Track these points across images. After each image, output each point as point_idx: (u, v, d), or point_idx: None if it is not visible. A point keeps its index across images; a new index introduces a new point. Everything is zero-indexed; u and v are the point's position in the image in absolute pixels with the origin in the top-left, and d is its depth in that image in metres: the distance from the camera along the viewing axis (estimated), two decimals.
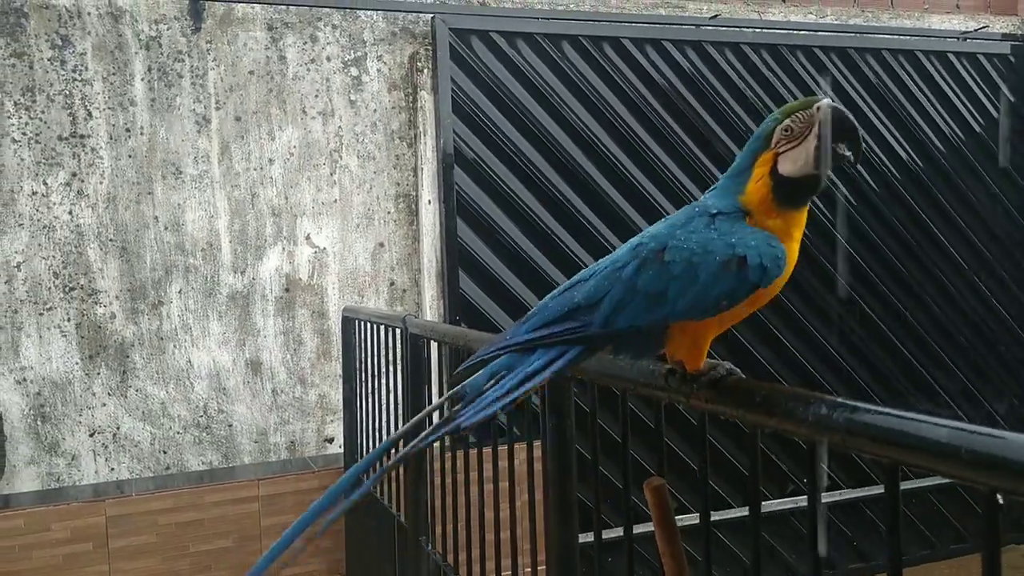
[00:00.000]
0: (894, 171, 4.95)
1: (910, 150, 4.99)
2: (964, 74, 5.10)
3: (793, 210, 1.16)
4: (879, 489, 4.50)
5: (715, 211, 1.18)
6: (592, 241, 4.34)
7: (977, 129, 5.13)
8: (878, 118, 4.92)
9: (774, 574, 4.57)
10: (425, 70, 4.13)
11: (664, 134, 4.50)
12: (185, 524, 3.52)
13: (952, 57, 5.06)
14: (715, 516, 4.32)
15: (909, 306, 4.98)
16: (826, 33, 4.83)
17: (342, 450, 3.87)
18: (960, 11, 5.26)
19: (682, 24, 4.56)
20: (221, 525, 3.57)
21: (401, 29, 4.14)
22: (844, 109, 1.10)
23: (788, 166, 1.13)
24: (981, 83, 5.14)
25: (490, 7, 4.28)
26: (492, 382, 1.19)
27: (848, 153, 1.11)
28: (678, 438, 4.34)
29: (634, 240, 1.21)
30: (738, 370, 1.17)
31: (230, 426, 3.89)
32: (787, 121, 1.13)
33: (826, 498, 4.57)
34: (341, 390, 3.85)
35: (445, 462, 2.57)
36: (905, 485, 4.81)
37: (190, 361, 3.82)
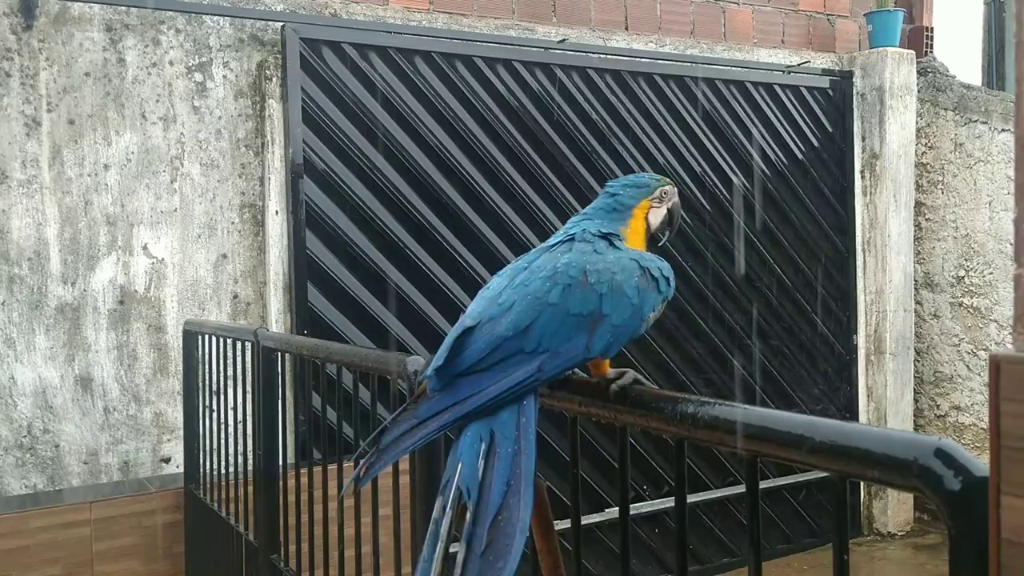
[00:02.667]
0: (726, 193, 5.46)
1: (740, 173, 5.52)
2: (788, 105, 5.70)
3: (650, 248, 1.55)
4: (743, 488, 4.94)
5: (605, 233, 1.49)
6: (445, 255, 4.55)
7: (799, 156, 5.75)
8: (711, 143, 5.41)
9: (653, 571, 4.94)
10: (274, 78, 4.21)
11: (515, 152, 4.78)
12: (8, 552, 3.42)
13: (778, 88, 5.65)
14: (597, 517, 4.63)
15: (739, 321, 5.50)
16: (665, 62, 5.28)
17: (181, 470, 3.88)
18: (785, 46, 5.87)
19: (531, 46, 4.87)
20: (49, 551, 3.50)
21: (249, 36, 4.21)
22: (680, 203, 1.61)
23: (652, 219, 1.57)
24: (803, 113, 5.76)
25: (342, 19, 4.41)
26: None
27: (670, 229, 1.62)
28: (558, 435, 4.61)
29: (540, 273, 1.40)
30: (641, 378, 1.39)
31: (57, 447, 3.81)
32: (663, 187, 1.58)
33: (696, 497, 4.98)
34: (180, 407, 3.86)
35: (300, 477, 2.69)
36: (764, 484, 5.30)
37: (13, 377, 3.72)
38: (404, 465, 2.78)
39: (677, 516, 1.30)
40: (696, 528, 5.12)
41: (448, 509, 1.25)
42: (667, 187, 1.58)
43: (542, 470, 3.86)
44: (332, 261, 4.27)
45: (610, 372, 1.39)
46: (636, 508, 4.87)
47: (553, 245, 1.50)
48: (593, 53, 5.06)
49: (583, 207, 5.03)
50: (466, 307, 4.62)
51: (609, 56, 5.11)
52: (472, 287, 4.58)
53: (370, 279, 4.36)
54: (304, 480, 2.49)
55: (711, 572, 5.21)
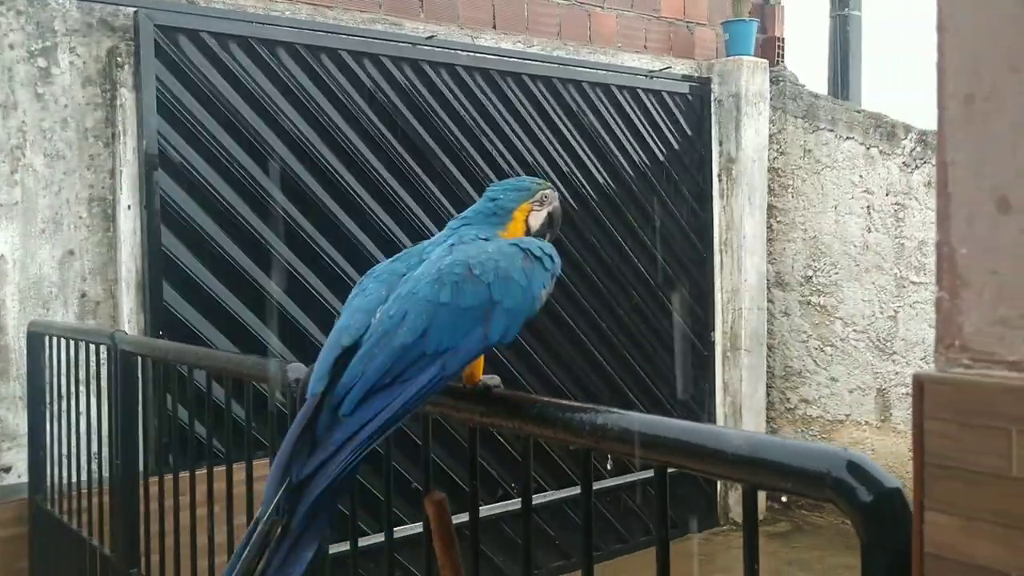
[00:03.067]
0: (592, 193, 5.63)
1: (605, 174, 5.70)
2: (651, 108, 5.93)
3: None
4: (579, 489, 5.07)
5: (483, 237, 1.54)
6: (309, 253, 4.49)
7: (661, 158, 5.99)
8: (578, 143, 5.57)
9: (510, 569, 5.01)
10: (126, 66, 4.04)
11: (382, 148, 4.76)
12: None
13: (641, 92, 5.86)
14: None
15: (604, 317, 5.68)
16: (533, 62, 5.40)
17: (24, 480, 3.67)
18: (648, 51, 6.10)
19: (399, 41, 4.87)
20: None
21: (98, 21, 4.02)
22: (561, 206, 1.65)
23: (533, 221, 1.63)
24: (665, 117, 6.01)
25: (200, 6, 4.28)
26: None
27: (552, 231, 1.66)
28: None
29: (424, 279, 1.45)
30: (502, 386, 1.49)
31: None
32: (544, 191, 1.64)
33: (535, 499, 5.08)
34: (23, 413, 3.66)
35: (150, 487, 2.61)
36: (598, 484, 5.50)
37: None
38: (261, 472, 2.75)
39: (584, 516, 1.36)
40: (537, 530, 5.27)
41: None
42: (547, 191, 1.65)
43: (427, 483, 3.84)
44: (189, 258, 4.15)
45: (480, 379, 1.49)
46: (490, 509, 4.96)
47: (434, 249, 1.54)
48: (462, 51, 5.11)
49: (451, 203, 5.10)
50: (330, 305, 4.56)
51: (477, 54, 5.17)
52: (338, 286, 4.54)
53: (230, 277, 4.26)
54: (168, 486, 2.42)
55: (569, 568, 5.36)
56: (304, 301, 4.47)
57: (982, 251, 0.74)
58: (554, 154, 5.44)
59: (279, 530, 1.32)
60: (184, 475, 2.59)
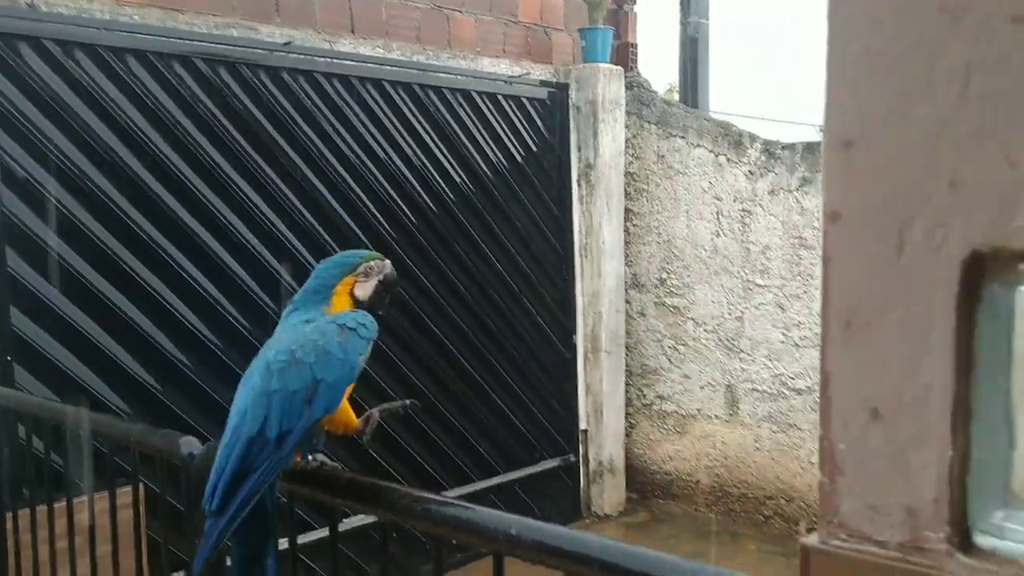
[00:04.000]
0: (453, 198, 5.82)
1: (467, 180, 5.91)
2: (511, 114, 6.17)
3: None
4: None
5: (306, 320, 1.74)
6: (166, 269, 4.47)
7: (522, 164, 6.25)
8: (439, 148, 5.75)
9: None
10: None
11: (238, 156, 4.78)
12: None
13: (501, 98, 6.10)
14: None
15: (467, 321, 5.90)
16: (392, 68, 5.52)
17: None
18: (507, 55, 6.34)
19: (255, 48, 4.89)
20: None
21: None
22: (394, 272, 1.84)
23: (360, 293, 1.81)
24: (525, 123, 6.26)
25: (42, 11, 4.18)
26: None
27: (387, 298, 1.84)
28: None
29: (260, 370, 1.67)
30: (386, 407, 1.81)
31: None
32: (368, 263, 1.81)
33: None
34: None
35: (6, 522, 2.62)
36: (466, 489, 5.74)
37: None
38: (124, 500, 2.82)
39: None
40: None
41: None
42: (374, 262, 1.82)
43: None
44: (37, 279, 4.07)
45: (360, 424, 1.77)
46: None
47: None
48: (320, 57, 5.18)
49: (310, 212, 5.31)
50: (185, 319, 4.63)
51: (336, 60, 5.26)
52: (199, 304, 4.57)
53: (82, 297, 4.21)
54: (23, 522, 2.47)
55: None
56: (161, 319, 4.47)
57: (856, 449, 0.91)
58: (415, 160, 5.60)
59: None
60: (42, 508, 2.61)
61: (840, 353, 0.92)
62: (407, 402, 1.87)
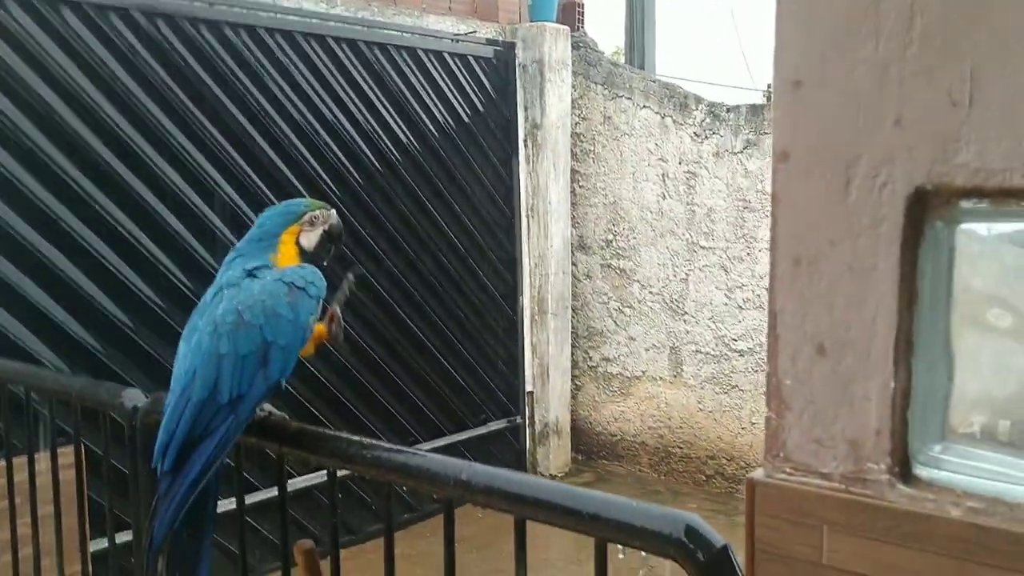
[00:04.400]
0: (399, 157, 5.77)
1: (412, 139, 5.85)
2: (457, 72, 6.11)
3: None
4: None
5: (251, 268, 1.70)
6: (105, 227, 4.37)
7: (468, 124, 6.21)
8: (384, 106, 5.67)
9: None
10: None
11: (178, 112, 4.65)
12: None
13: (447, 56, 6.03)
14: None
15: (413, 282, 5.88)
16: (336, 24, 5.43)
17: None
18: (452, 13, 6.27)
19: (195, 1, 4.76)
20: None
21: None
22: (340, 223, 1.81)
23: (305, 242, 1.78)
24: (471, 82, 6.21)
25: None
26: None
27: (331, 248, 1.81)
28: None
29: (207, 329, 1.63)
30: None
31: None
32: (314, 212, 1.78)
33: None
34: None
35: None
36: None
37: None
38: (66, 460, 2.77)
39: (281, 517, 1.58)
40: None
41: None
42: (319, 211, 1.79)
43: None
44: None
45: (325, 327, 1.79)
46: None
47: (213, 296, 1.71)
48: (262, 11, 5.06)
49: (253, 170, 5.21)
50: (130, 282, 4.54)
51: (279, 15, 5.15)
52: (139, 262, 4.48)
53: (20, 256, 4.11)
54: None
55: None
56: (103, 280, 4.37)
57: (802, 384, 0.94)
58: (360, 118, 5.52)
59: None
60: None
61: (789, 291, 0.94)
62: (349, 276, 1.84)
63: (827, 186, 0.90)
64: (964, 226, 0.88)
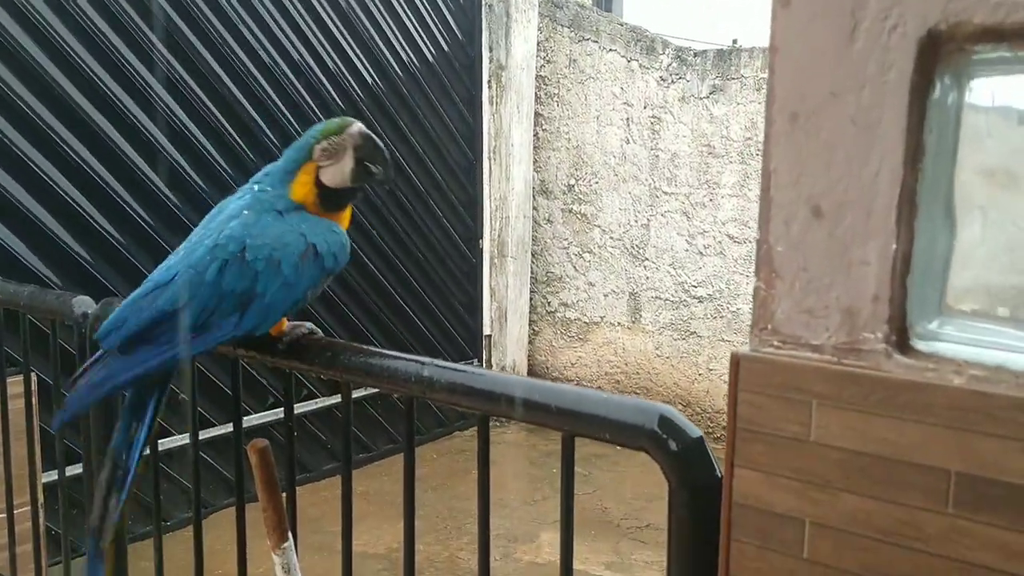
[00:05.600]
0: (361, 95, 5.61)
1: (375, 76, 5.68)
2: (422, 9, 5.94)
3: (339, 211, 1.52)
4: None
5: (279, 207, 1.45)
6: (59, 154, 4.21)
7: (432, 62, 6.05)
8: (347, 42, 5.50)
9: None
10: None
11: (141, 45, 4.46)
12: None
13: None
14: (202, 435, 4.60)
15: (373, 222, 5.75)
16: None
17: None
18: None
19: None
20: None
21: None
22: (372, 135, 1.45)
23: (328, 179, 1.46)
24: (436, 21, 6.04)
25: None
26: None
27: (377, 170, 1.46)
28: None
29: (206, 241, 1.43)
30: (317, 330, 1.52)
31: None
32: (325, 143, 1.45)
33: (300, 408, 5.19)
34: None
35: None
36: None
37: None
38: (16, 390, 2.66)
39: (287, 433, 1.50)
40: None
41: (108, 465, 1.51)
42: (332, 138, 1.47)
43: None
44: None
45: (286, 326, 1.51)
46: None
47: (239, 199, 1.51)
48: None
49: (216, 106, 5.09)
50: (88, 217, 4.39)
51: None
52: (95, 192, 4.33)
53: (16, 169, 4.05)
54: None
55: None
56: (91, 191, 4.28)
57: (795, 250, 0.88)
58: (323, 54, 5.35)
59: None
60: None
61: (785, 149, 0.87)
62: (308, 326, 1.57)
63: (831, 32, 0.83)
64: (976, 81, 0.81)
